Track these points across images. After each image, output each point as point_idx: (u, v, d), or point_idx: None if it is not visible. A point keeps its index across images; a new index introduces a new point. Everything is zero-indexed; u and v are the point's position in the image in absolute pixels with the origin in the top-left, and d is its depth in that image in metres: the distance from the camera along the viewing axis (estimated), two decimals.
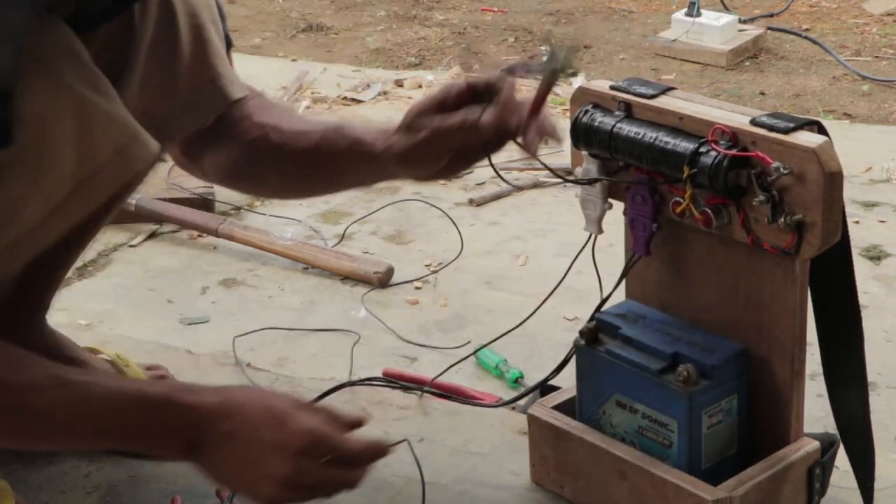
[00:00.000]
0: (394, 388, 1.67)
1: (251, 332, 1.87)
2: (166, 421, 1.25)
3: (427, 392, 1.66)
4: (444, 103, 1.38)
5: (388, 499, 1.51)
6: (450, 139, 1.37)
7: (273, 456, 1.23)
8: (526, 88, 1.37)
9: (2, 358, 1.23)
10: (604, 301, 1.47)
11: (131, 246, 2.18)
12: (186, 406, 1.25)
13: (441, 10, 4.02)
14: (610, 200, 1.45)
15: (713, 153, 1.29)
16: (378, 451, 1.29)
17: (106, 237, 2.17)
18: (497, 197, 2.36)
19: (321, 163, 1.47)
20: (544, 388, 1.57)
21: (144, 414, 1.25)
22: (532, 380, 1.72)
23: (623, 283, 1.49)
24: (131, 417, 1.25)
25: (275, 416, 1.25)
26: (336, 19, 3.94)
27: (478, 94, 1.37)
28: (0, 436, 1.27)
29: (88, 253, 1.89)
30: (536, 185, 2.40)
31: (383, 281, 2.04)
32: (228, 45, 1.52)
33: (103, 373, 1.30)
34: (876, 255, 2.12)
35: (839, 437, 1.43)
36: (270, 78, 3.04)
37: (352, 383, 1.65)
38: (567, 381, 1.54)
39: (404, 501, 1.49)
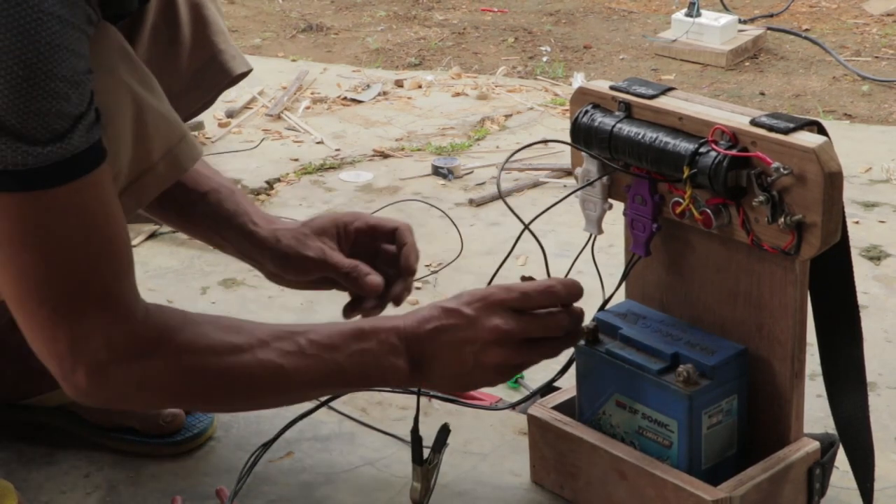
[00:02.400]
0: (397, 392, 1.67)
1: None
2: (383, 347, 1.30)
3: (434, 397, 1.65)
4: (345, 230, 1.53)
5: (387, 499, 1.51)
6: (330, 272, 1.51)
7: (474, 325, 1.30)
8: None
9: (225, 324, 1.28)
10: (606, 301, 1.47)
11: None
12: (391, 328, 1.31)
13: (441, 11, 4.02)
14: (610, 201, 1.45)
15: (713, 153, 1.29)
16: (566, 284, 1.34)
17: None
18: (497, 197, 2.36)
19: (201, 210, 1.51)
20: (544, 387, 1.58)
21: (364, 346, 1.30)
22: (532, 380, 1.72)
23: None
24: (351, 352, 1.29)
25: (465, 297, 1.33)
26: (336, 19, 3.94)
27: (377, 235, 1.53)
28: (237, 397, 1.29)
29: None
30: (536, 185, 2.41)
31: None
32: None
33: (318, 323, 1.35)
34: (876, 256, 2.12)
35: (839, 437, 1.43)
36: (270, 78, 3.04)
37: None
38: (567, 382, 1.54)
39: (404, 501, 1.50)
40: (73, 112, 1.10)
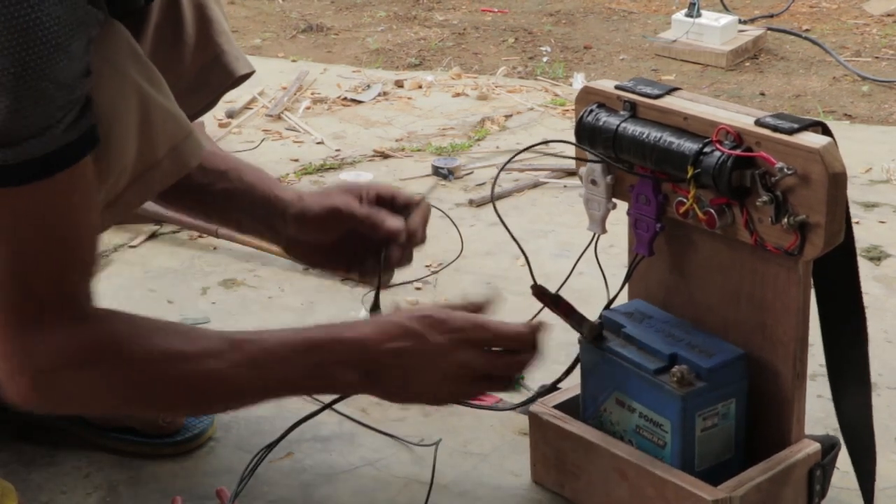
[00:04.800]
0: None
1: None
2: (338, 360, 1.31)
3: None
4: (367, 192, 1.53)
5: (387, 499, 1.50)
6: (351, 221, 1.51)
7: (442, 356, 1.31)
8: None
9: (174, 332, 1.28)
10: (611, 301, 1.47)
11: (132, 247, 2.17)
12: (352, 341, 1.31)
13: (441, 11, 4.02)
14: (614, 200, 1.44)
15: (717, 153, 1.29)
16: (535, 329, 1.37)
17: (106, 238, 2.16)
18: (498, 197, 2.35)
19: (221, 188, 1.52)
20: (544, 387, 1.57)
21: (316, 359, 1.30)
22: (532, 380, 1.71)
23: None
24: (304, 365, 1.30)
25: (433, 321, 1.33)
26: (336, 20, 3.94)
27: (394, 205, 1.55)
28: (184, 405, 1.32)
29: None
30: (537, 185, 2.40)
31: (384, 282, 2.03)
32: None
33: (267, 330, 1.35)
34: (876, 256, 2.11)
35: (841, 437, 1.42)
36: (270, 78, 3.04)
37: None
38: (567, 382, 1.54)
39: (405, 501, 1.49)
40: (55, 114, 1.10)
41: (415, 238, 1.54)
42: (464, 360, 1.32)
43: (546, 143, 1.49)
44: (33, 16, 1.05)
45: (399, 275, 2.05)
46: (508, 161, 1.48)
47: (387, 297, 2.00)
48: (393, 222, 1.50)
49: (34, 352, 1.18)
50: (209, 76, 1.44)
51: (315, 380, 1.32)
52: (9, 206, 1.12)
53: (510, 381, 1.39)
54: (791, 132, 1.26)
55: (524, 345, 1.36)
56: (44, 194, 1.13)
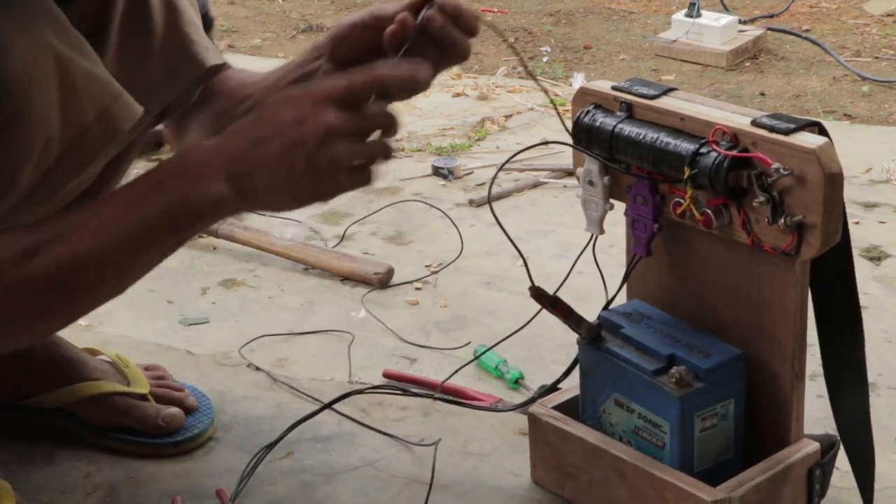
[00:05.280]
0: (407, 395, 1.67)
1: (254, 339, 1.87)
2: (194, 172, 1.17)
3: (438, 398, 1.65)
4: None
5: (388, 499, 1.51)
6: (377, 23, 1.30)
7: (303, 146, 1.16)
8: None
9: (8, 235, 1.16)
10: (609, 301, 1.47)
11: None
12: (197, 149, 1.18)
13: None
14: (611, 201, 1.45)
15: (714, 154, 1.29)
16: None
17: None
18: (497, 198, 2.36)
19: (289, 83, 1.40)
20: (544, 387, 1.58)
21: (170, 180, 1.17)
22: (532, 380, 1.72)
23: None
24: (159, 193, 1.17)
25: (286, 93, 1.22)
26: (336, 20, 3.94)
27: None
28: (51, 305, 1.17)
29: None
30: (536, 185, 2.41)
31: (383, 282, 2.04)
32: (209, 23, 1.51)
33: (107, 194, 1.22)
34: (876, 256, 2.12)
35: (839, 437, 1.43)
36: None
37: (360, 391, 1.65)
38: (567, 382, 1.54)
39: (405, 501, 1.50)
40: None
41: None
42: (324, 121, 1.16)
43: (546, 143, 1.50)
44: None
45: (397, 275, 2.06)
46: (506, 162, 1.48)
47: (386, 297, 2.01)
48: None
49: None
50: (178, 67, 1.39)
51: (180, 212, 1.17)
52: None
53: (389, 150, 1.22)
54: (787, 132, 1.26)
55: (384, 86, 1.19)
56: None
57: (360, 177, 1.23)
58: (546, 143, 1.50)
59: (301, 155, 1.16)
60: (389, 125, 1.21)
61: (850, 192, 2.29)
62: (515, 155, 1.51)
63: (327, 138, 1.16)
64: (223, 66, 1.45)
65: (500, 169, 1.50)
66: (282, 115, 1.17)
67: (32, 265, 1.14)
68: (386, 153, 1.22)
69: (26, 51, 1.13)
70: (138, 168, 1.36)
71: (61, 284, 1.16)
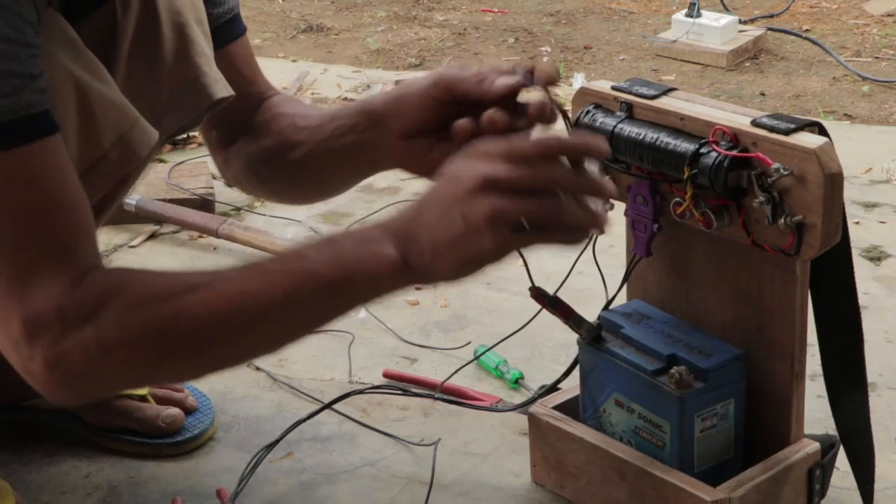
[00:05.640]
0: (407, 395, 1.67)
1: None
2: (365, 237, 1.14)
3: (438, 399, 1.66)
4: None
5: (388, 499, 1.51)
6: (459, 86, 1.26)
7: (460, 178, 1.12)
8: None
9: (175, 274, 1.17)
10: (609, 302, 1.47)
11: (131, 247, 2.18)
12: (373, 223, 1.16)
13: (441, 11, 4.02)
14: (611, 201, 1.44)
15: (714, 154, 1.29)
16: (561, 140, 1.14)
17: (106, 238, 2.17)
18: None
19: (339, 145, 1.37)
20: (544, 387, 1.58)
21: (338, 245, 1.14)
22: (532, 380, 1.72)
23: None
24: (330, 255, 1.13)
25: (448, 177, 1.14)
26: (336, 20, 3.94)
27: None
28: (202, 341, 1.14)
29: None
30: None
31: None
32: (242, 30, 1.52)
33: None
34: (876, 256, 2.12)
35: (839, 437, 1.43)
36: (271, 79, 3.03)
37: (360, 391, 1.65)
38: (567, 382, 1.54)
39: (405, 501, 1.50)
40: (22, 71, 1.08)
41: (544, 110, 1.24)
42: (477, 172, 1.11)
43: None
44: None
45: None
46: None
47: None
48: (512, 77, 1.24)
49: (39, 321, 1.09)
50: (186, 97, 1.40)
51: (343, 266, 1.12)
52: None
53: (558, 201, 1.11)
54: (787, 132, 1.26)
55: (550, 153, 1.13)
56: (30, 159, 1.09)
57: (540, 235, 1.13)
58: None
59: (457, 209, 1.11)
60: (550, 182, 1.12)
61: (850, 192, 2.29)
62: None
63: (483, 189, 1.10)
64: (230, 98, 1.43)
65: None
66: (441, 178, 1.15)
67: (196, 297, 1.12)
68: (553, 210, 1.12)
69: (48, 77, 1.14)
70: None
71: (219, 323, 1.13)
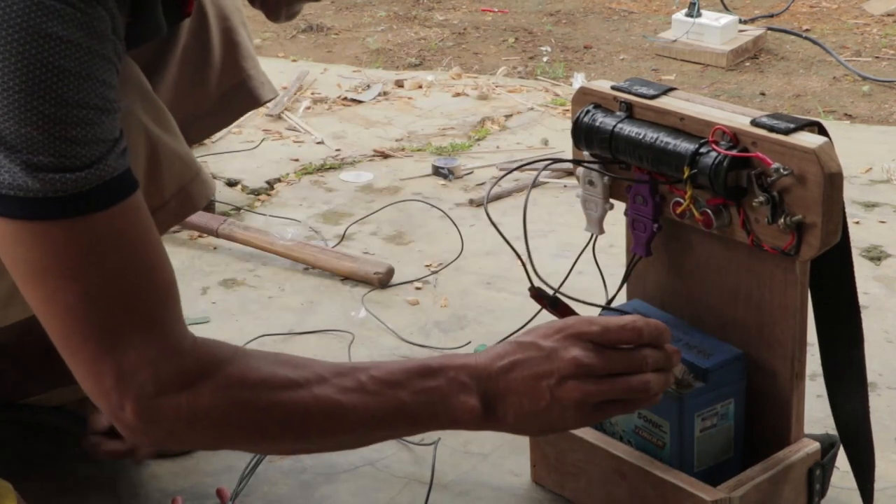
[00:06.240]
0: None
1: (254, 339, 1.87)
2: (455, 382, 1.21)
3: None
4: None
5: (388, 499, 1.51)
6: None
7: (552, 358, 1.22)
8: None
9: (275, 359, 1.22)
10: (609, 302, 1.47)
11: None
12: (467, 363, 1.23)
13: (441, 11, 4.02)
14: (611, 201, 1.45)
15: (713, 154, 1.29)
16: (649, 323, 1.25)
17: None
18: (498, 197, 2.36)
19: None
20: None
21: (432, 383, 1.21)
22: None
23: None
24: (418, 390, 1.21)
25: (544, 328, 1.25)
26: (336, 20, 3.94)
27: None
28: (287, 434, 1.20)
29: None
30: (536, 185, 2.41)
31: (383, 281, 2.04)
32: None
33: (374, 362, 1.27)
34: (876, 256, 2.12)
35: (839, 437, 1.43)
36: (271, 78, 3.04)
37: None
38: None
39: (405, 501, 1.50)
40: (106, 137, 1.09)
41: None
42: (573, 357, 1.21)
43: (552, 161, 1.50)
44: (60, 49, 1.04)
45: (397, 274, 2.06)
46: (507, 174, 1.49)
47: (387, 297, 2.01)
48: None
49: (133, 381, 1.12)
50: (233, 100, 1.43)
51: (432, 406, 1.21)
52: (87, 234, 1.10)
53: (643, 382, 1.23)
54: (787, 132, 1.26)
55: (640, 338, 1.24)
56: (118, 219, 1.11)
57: (622, 407, 1.26)
58: (550, 160, 1.50)
59: (547, 387, 1.21)
60: (639, 367, 1.23)
61: (850, 192, 2.29)
62: (515, 169, 1.52)
63: (575, 375, 1.21)
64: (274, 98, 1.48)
65: (500, 179, 1.50)
66: (536, 346, 1.23)
67: (293, 396, 1.18)
68: (640, 394, 1.24)
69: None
70: None
71: (307, 425, 1.19)
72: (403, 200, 2.35)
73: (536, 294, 1.37)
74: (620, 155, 1.37)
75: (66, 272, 1.10)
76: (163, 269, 1.16)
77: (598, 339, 1.23)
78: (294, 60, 3.40)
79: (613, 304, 1.48)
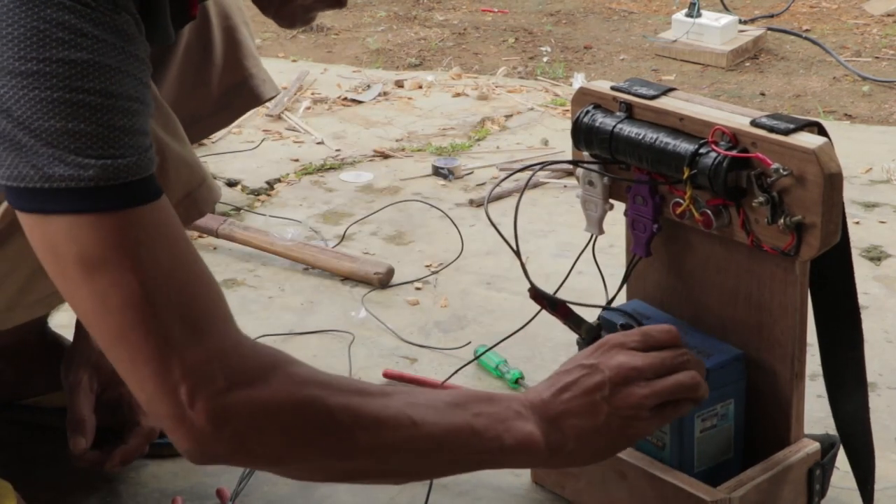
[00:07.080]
0: None
1: (255, 339, 1.87)
2: (512, 408, 1.20)
3: None
4: None
5: (388, 499, 1.51)
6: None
7: (600, 369, 1.23)
8: None
9: (351, 385, 1.17)
10: (609, 302, 1.47)
11: None
12: (517, 397, 1.22)
13: (441, 11, 4.02)
14: (611, 201, 1.45)
15: (713, 154, 1.29)
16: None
17: None
18: (497, 198, 2.36)
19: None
20: None
21: (492, 409, 1.19)
22: (532, 380, 1.72)
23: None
24: (485, 414, 1.18)
25: (592, 349, 1.26)
26: (336, 20, 3.94)
27: None
28: (359, 445, 1.14)
29: None
30: (536, 186, 2.41)
31: (383, 281, 2.04)
32: None
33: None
34: (876, 256, 2.12)
35: (839, 437, 1.43)
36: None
37: None
38: None
39: (405, 501, 1.50)
40: (147, 130, 1.09)
41: None
42: (618, 363, 1.22)
43: (550, 162, 1.50)
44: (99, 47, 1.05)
45: (397, 274, 2.06)
46: (509, 175, 1.49)
47: (387, 297, 2.01)
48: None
49: (205, 375, 1.07)
50: (235, 99, 1.43)
51: (496, 431, 1.18)
52: (141, 225, 1.08)
53: (688, 383, 1.25)
54: (787, 133, 1.26)
55: (676, 340, 1.27)
56: (164, 213, 1.10)
57: (676, 409, 1.26)
58: (549, 163, 1.50)
59: (602, 399, 1.22)
60: (682, 366, 1.25)
61: (850, 192, 2.29)
62: (516, 172, 1.52)
63: (626, 381, 1.22)
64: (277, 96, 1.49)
65: (500, 182, 1.50)
66: (580, 366, 1.24)
67: (361, 401, 1.14)
68: (688, 393, 1.25)
69: None
70: None
71: (372, 431, 1.14)
72: (403, 200, 2.35)
73: (536, 294, 1.37)
74: (620, 155, 1.37)
75: (123, 264, 1.06)
76: (204, 264, 1.14)
77: (639, 346, 1.25)
78: (294, 60, 3.40)
79: (613, 305, 1.48)
